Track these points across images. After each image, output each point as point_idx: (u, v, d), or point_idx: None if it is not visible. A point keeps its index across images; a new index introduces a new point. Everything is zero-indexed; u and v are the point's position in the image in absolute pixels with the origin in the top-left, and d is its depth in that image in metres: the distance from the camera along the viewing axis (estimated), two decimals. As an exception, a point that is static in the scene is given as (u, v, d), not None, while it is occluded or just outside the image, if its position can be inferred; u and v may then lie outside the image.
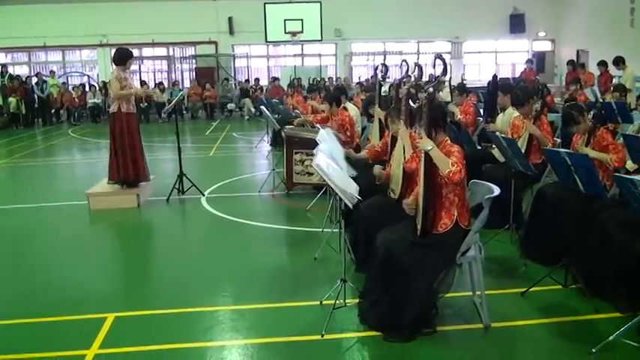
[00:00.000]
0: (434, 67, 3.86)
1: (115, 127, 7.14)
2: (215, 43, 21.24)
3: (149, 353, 3.55)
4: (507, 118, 6.38)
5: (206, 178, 8.57)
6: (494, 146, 6.09)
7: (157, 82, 20.60)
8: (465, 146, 5.84)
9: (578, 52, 19.78)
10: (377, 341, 3.57)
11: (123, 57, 7.15)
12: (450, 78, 6.71)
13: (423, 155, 3.64)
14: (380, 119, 5.69)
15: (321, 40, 20.55)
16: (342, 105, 7.44)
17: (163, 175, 8.68)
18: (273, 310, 4.12)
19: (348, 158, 4.94)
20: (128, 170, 7.19)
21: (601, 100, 9.51)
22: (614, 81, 11.85)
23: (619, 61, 12.08)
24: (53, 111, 19.24)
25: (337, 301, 3.89)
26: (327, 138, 4.72)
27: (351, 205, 3.76)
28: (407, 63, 5.42)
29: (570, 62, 14.34)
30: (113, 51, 7.54)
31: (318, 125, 7.37)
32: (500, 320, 3.78)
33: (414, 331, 3.56)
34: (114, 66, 7.23)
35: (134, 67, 20.74)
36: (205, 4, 20.43)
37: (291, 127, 8.04)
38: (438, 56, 3.78)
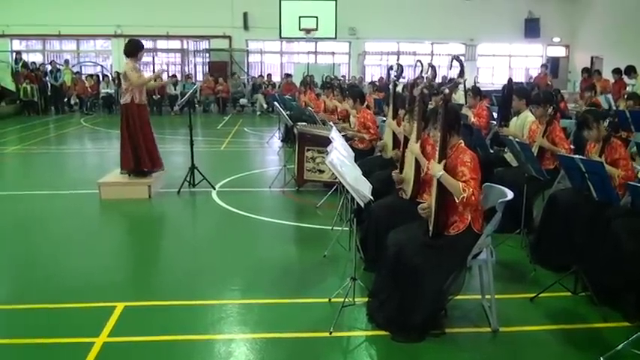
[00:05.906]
0: (450, 68, 3.86)
1: (128, 118, 7.22)
2: (229, 37, 21.28)
3: (157, 343, 3.57)
4: (521, 122, 6.35)
5: (217, 171, 8.59)
6: (506, 150, 6.08)
7: (170, 74, 20.65)
8: (478, 149, 5.84)
9: (592, 58, 19.68)
10: (385, 341, 3.58)
11: (135, 48, 7.24)
12: (465, 80, 6.70)
13: (436, 159, 3.65)
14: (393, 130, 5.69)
15: (335, 38, 20.60)
16: (366, 103, 7.46)
17: (174, 168, 8.70)
18: (281, 305, 4.13)
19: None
20: (144, 160, 7.29)
21: (615, 108, 9.46)
22: (628, 89, 11.79)
23: (630, 71, 12.04)
24: (66, 99, 19.32)
25: (346, 299, 3.89)
26: (338, 137, 4.74)
27: (362, 205, 3.76)
28: (421, 63, 5.42)
29: (585, 70, 14.28)
30: (127, 42, 7.58)
31: (331, 123, 7.39)
32: (509, 325, 3.77)
33: (423, 332, 3.56)
34: (125, 58, 7.30)
35: (147, 58, 20.83)
36: (221, -1, 20.52)
37: (303, 124, 8.04)
38: (456, 58, 3.78)
